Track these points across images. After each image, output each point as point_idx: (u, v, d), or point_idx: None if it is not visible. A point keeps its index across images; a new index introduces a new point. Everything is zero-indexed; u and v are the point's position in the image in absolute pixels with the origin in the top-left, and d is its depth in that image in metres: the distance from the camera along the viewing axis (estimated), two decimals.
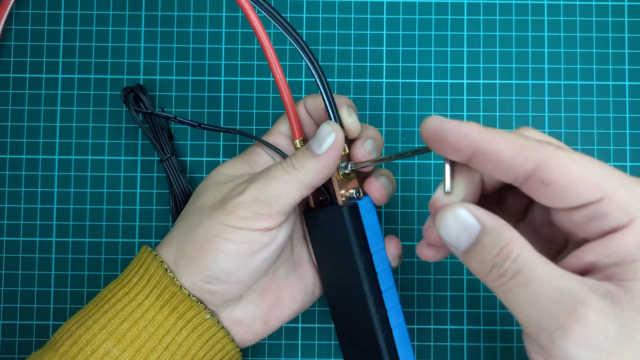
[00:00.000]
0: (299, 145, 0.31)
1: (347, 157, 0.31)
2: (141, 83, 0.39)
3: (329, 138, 0.28)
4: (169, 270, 0.29)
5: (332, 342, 0.38)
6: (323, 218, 0.31)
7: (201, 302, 0.29)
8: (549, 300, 0.20)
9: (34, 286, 0.38)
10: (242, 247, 0.28)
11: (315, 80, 0.30)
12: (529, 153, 0.21)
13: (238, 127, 0.39)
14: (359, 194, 0.31)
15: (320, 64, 0.30)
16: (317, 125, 0.32)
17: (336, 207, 0.30)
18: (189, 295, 0.29)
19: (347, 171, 0.30)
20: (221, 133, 0.38)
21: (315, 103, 0.32)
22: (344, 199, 0.31)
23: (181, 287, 0.29)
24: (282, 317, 0.32)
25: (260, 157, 0.32)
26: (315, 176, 0.29)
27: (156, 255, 0.30)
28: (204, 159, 0.39)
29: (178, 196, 0.37)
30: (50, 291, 0.38)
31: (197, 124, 0.34)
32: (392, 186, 0.32)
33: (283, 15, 0.39)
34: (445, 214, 0.22)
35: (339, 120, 0.30)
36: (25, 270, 0.38)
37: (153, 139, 0.36)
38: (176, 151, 0.38)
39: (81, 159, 0.39)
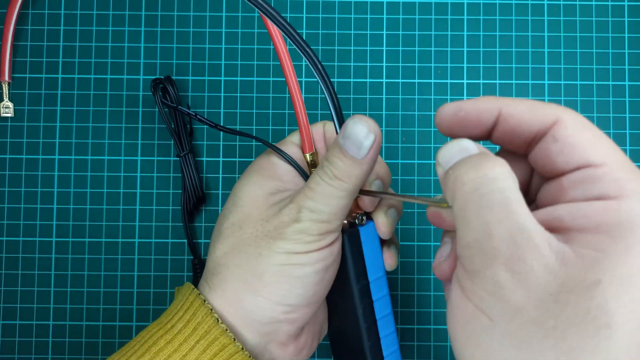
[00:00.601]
0: (308, 159, 0.30)
1: None
2: (141, 82, 0.39)
3: (368, 140, 0.26)
4: (220, 321, 0.27)
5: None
6: None
7: (251, 355, 0.27)
8: (506, 231, 0.19)
9: (34, 286, 0.38)
10: (317, 267, 0.27)
11: (326, 97, 0.28)
12: (547, 110, 0.21)
13: (238, 127, 0.39)
14: (362, 220, 0.30)
15: (329, 76, 0.28)
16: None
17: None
18: (242, 349, 0.27)
19: None
20: (221, 132, 0.38)
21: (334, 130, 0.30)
22: (345, 221, 0.30)
23: (234, 340, 0.27)
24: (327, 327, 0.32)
25: (280, 168, 0.30)
26: (362, 182, 0.27)
27: (204, 301, 0.27)
28: (204, 158, 0.39)
29: (189, 194, 0.37)
30: (50, 291, 0.38)
31: (214, 125, 0.34)
32: (399, 216, 0.31)
33: (283, 15, 0.39)
34: (450, 143, 0.22)
35: None
36: (25, 270, 0.38)
37: (174, 133, 0.37)
38: (195, 150, 0.37)
39: (81, 159, 0.39)
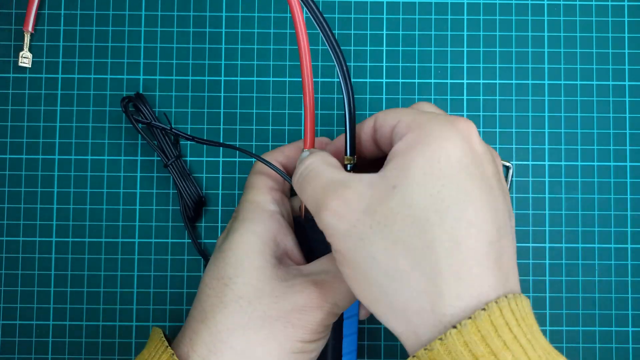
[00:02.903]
0: (305, 155, 0.29)
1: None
2: (141, 82, 0.39)
3: None
4: None
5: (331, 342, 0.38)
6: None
7: None
8: (320, 186, 0.25)
9: (34, 286, 0.38)
10: (319, 350, 0.28)
11: (343, 96, 0.28)
12: (373, 120, 0.28)
13: (238, 126, 0.39)
14: None
15: (344, 67, 0.28)
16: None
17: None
18: None
19: None
20: (220, 135, 0.38)
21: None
22: None
23: None
24: None
25: (274, 222, 0.30)
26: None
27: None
28: (204, 158, 0.39)
29: (186, 200, 0.37)
30: (50, 291, 0.38)
31: (191, 137, 0.34)
32: None
33: (283, 15, 0.39)
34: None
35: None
36: (25, 270, 0.38)
37: (156, 146, 0.37)
38: (182, 153, 0.37)
39: (81, 159, 0.39)
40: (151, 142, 0.36)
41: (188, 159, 0.39)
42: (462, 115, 0.39)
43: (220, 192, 0.38)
